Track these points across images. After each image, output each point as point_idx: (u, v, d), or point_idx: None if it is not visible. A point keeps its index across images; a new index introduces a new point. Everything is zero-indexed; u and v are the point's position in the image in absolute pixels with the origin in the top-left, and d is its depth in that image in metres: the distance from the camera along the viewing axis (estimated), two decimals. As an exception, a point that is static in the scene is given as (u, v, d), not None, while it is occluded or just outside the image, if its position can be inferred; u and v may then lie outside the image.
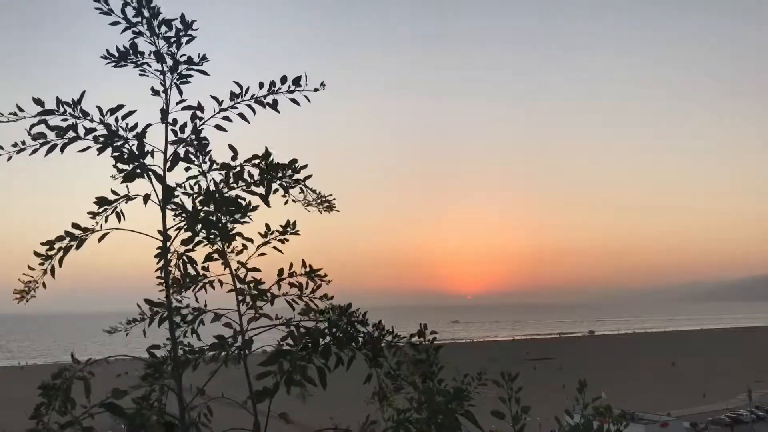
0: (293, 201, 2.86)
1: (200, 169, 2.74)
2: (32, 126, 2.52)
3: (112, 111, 2.59)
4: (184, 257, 2.74)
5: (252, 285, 2.81)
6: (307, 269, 2.95)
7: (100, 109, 2.59)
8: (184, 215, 2.66)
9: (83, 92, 2.56)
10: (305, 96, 2.76)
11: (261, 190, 2.77)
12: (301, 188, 2.84)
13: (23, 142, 2.53)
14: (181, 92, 2.72)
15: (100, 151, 2.60)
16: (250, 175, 2.77)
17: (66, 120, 2.56)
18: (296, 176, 2.80)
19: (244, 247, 2.83)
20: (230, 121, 2.74)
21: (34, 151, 2.56)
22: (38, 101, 2.53)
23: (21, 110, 2.51)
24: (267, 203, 2.77)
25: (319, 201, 2.89)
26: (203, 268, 2.82)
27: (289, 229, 2.92)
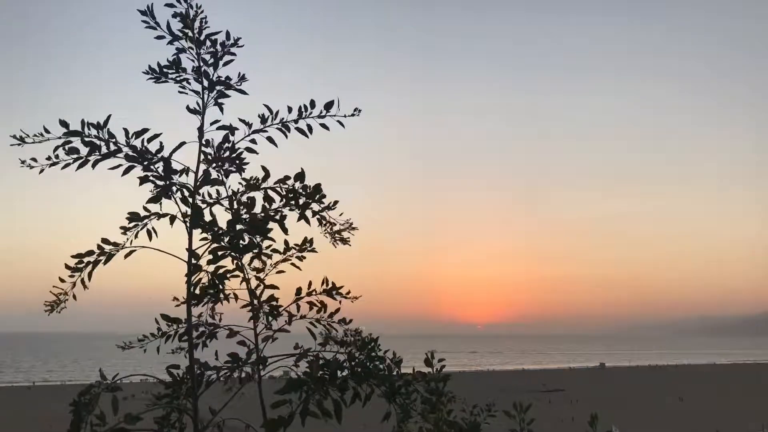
0: (324, 232, 2.83)
1: (230, 189, 2.71)
2: (56, 148, 2.52)
3: (138, 134, 2.59)
4: (209, 273, 2.68)
5: (265, 301, 2.75)
6: (328, 286, 2.84)
7: (126, 131, 2.59)
8: (212, 235, 2.62)
9: (109, 116, 2.57)
10: (338, 121, 2.69)
11: (286, 212, 2.73)
12: (321, 217, 2.80)
13: (57, 156, 2.54)
14: (222, 110, 2.70)
15: (126, 171, 2.59)
16: (285, 198, 2.72)
17: (91, 142, 2.56)
18: (320, 205, 2.76)
19: (264, 264, 2.77)
20: (255, 143, 2.72)
21: (66, 166, 2.56)
22: (63, 123, 2.53)
23: (47, 131, 2.52)
24: (285, 230, 2.73)
25: (334, 234, 2.86)
26: (221, 281, 2.73)
27: (306, 246, 2.85)
